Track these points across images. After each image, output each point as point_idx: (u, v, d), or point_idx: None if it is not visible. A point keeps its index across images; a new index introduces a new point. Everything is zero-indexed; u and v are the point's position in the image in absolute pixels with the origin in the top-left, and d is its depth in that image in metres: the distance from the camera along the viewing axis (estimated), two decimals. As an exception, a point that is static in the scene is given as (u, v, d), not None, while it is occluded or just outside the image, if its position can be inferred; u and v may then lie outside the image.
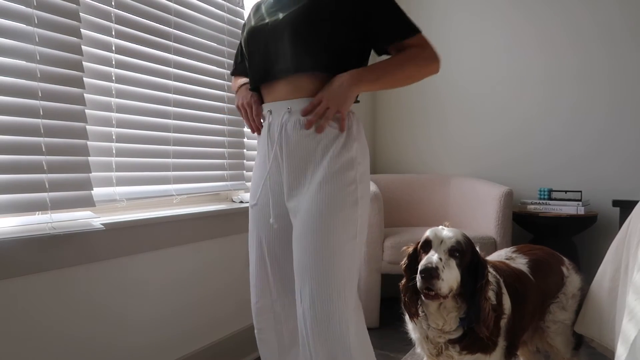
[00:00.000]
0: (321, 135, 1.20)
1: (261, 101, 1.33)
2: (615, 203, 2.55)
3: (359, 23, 1.21)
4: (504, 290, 1.41)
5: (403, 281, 1.40)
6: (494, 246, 2.51)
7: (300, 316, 1.19)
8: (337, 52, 1.22)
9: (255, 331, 1.38)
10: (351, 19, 1.21)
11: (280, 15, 1.22)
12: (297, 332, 1.25)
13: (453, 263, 1.30)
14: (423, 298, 1.31)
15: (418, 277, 1.27)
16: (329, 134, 1.21)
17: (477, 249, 1.38)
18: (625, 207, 2.42)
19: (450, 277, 1.28)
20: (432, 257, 1.28)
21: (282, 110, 1.24)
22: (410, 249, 1.41)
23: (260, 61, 1.28)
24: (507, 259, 1.62)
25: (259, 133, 1.34)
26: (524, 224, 2.86)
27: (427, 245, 1.33)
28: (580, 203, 2.70)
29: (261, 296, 1.34)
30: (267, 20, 1.25)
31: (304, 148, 1.21)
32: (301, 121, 1.21)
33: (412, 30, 1.24)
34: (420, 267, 1.27)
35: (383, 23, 1.23)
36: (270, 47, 1.24)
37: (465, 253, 1.33)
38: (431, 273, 1.24)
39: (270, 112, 1.27)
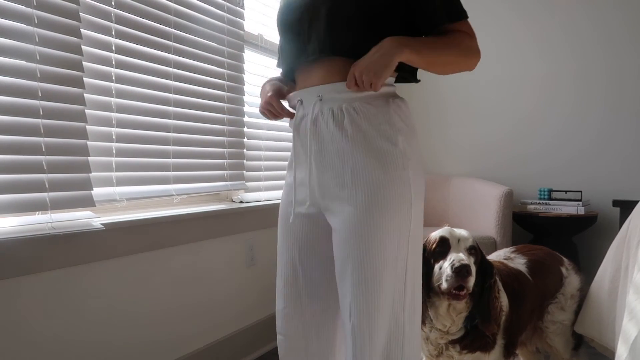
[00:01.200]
0: (359, 129, 1.05)
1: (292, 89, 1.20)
2: (616, 203, 2.55)
3: (392, 8, 1.07)
4: (501, 288, 1.42)
5: None
6: (494, 246, 2.51)
7: (349, 331, 1.07)
8: (380, 32, 1.03)
9: (279, 337, 1.26)
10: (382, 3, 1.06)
11: None
12: (330, 342, 1.20)
13: (472, 261, 1.31)
14: (450, 299, 1.30)
15: (449, 276, 1.26)
16: (367, 127, 1.05)
17: None
18: (625, 207, 2.42)
19: (474, 276, 1.30)
20: (461, 254, 1.29)
21: (312, 99, 1.09)
22: None
23: (292, 40, 1.13)
24: (505, 259, 1.62)
25: (292, 117, 1.18)
26: (524, 224, 2.86)
27: (443, 245, 1.34)
28: (580, 203, 2.70)
29: (289, 302, 1.23)
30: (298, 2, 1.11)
31: (339, 142, 1.06)
32: (334, 110, 1.06)
33: (461, 13, 1.10)
34: (454, 264, 1.27)
35: (433, 2, 1.07)
36: (304, 24, 1.09)
37: (478, 252, 1.36)
38: (467, 270, 1.25)
39: (301, 101, 1.12)
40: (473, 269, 1.30)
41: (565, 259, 1.70)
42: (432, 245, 1.37)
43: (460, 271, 1.25)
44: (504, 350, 1.43)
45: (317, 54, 1.08)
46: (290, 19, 1.13)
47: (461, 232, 1.36)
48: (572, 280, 1.64)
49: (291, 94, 1.17)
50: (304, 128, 1.12)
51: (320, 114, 1.09)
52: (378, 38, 1.02)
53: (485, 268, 1.35)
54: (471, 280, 1.26)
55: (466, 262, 1.27)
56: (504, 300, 1.41)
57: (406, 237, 1.06)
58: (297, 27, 1.11)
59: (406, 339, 1.07)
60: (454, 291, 1.27)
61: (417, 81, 1.21)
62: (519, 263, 1.58)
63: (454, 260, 1.28)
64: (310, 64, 1.11)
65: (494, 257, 1.66)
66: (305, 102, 1.12)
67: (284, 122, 2.55)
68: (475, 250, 1.34)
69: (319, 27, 1.06)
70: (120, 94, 1.63)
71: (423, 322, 1.38)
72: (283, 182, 2.82)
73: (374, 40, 1.02)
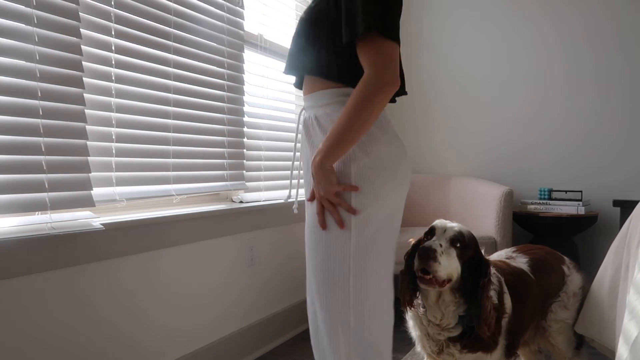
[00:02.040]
0: (315, 136, 1.16)
1: None
2: (616, 203, 2.55)
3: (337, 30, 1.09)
4: (505, 290, 1.41)
5: (403, 268, 1.40)
6: (494, 246, 2.51)
7: None
8: (325, 55, 1.12)
9: None
10: (329, 26, 1.10)
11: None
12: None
13: (453, 253, 1.30)
14: (418, 282, 1.30)
15: (416, 258, 1.28)
16: (321, 136, 1.13)
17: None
18: (625, 207, 2.41)
19: (449, 265, 1.28)
20: (432, 241, 1.30)
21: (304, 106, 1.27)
22: (415, 240, 1.43)
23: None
24: (507, 258, 1.62)
25: None
26: (524, 224, 2.86)
27: (431, 233, 1.35)
28: (580, 203, 2.70)
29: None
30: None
31: (305, 149, 1.22)
32: (305, 119, 1.21)
33: (358, 27, 1.01)
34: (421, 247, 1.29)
35: (343, 18, 1.05)
36: (293, 39, 1.23)
37: (468, 247, 1.33)
38: (428, 253, 1.25)
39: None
40: (452, 260, 1.28)
41: (566, 258, 1.70)
42: (423, 234, 1.39)
43: (421, 254, 1.26)
44: (506, 350, 1.42)
45: (286, 71, 1.25)
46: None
47: (452, 223, 1.36)
48: (574, 279, 1.64)
49: None
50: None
51: (301, 120, 1.25)
52: (323, 60, 1.12)
53: (479, 266, 1.33)
54: (435, 266, 1.25)
55: (432, 246, 1.26)
56: (507, 301, 1.40)
57: (345, 245, 1.09)
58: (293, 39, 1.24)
59: (356, 339, 1.10)
60: (419, 274, 1.27)
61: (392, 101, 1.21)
62: (521, 262, 1.58)
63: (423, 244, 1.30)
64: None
65: (495, 257, 1.65)
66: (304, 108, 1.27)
67: (284, 123, 2.55)
68: (460, 242, 1.32)
69: (295, 46, 1.21)
70: (120, 94, 1.63)
71: (409, 305, 1.39)
72: (283, 182, 2.83)
73: (318, 63, 1.13)
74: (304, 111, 1.25)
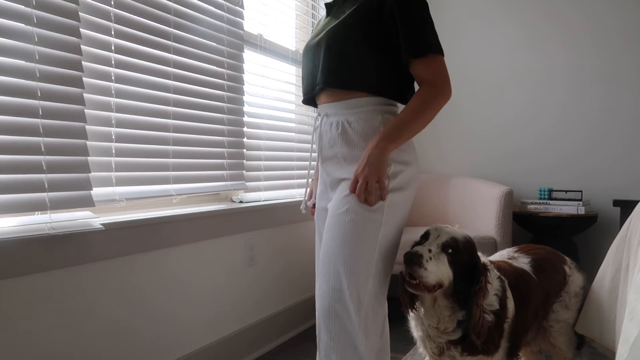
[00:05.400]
0: (351, 141, 1.29)
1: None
2: (616, 203, 2.55)
3: (384, 46, 1.26)
4: (509, 294, 1.38)
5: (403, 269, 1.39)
6: (494, 246, 2.51)
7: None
8: (365, 72, 1.27)
9: None
10: (377, 43, 1.26)
11: (322, 33, 1.33)
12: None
13: (444, 258, 1.27)
14: (405, 286, 1.29)
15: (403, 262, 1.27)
16: (358, 143, 1.29)
17: (480, 253, 1.36)
18: (625, 207, 2.42)
19: (438, 271, 1.25)
20: (421, 246, 1.28)
21: (322, 113, 1.37)
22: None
23: (306, 75, 1.40)
24: (509, 258, 1.61)
25: None
26: (524, 224, 2.86)
27: (425, 237, 1.33)
28: (580, 203, 2.70)
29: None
30: (316, 38, 1.36)
31: (335, 150, 1.33)
32: (334, 123, 1.32)
33: (424, 48, 1.24)
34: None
35: (402, 38, 1.25)
36: (315, 62, 1.34)
37: (461, 253, 1.30)
38: (412, 258, 1.23)
39: (319, 114, 1.40)
40: (441, 266, 1.26)
41: (567, 258, 1.69)
42: (419, 237, 1.37)
43: (406, 259, 1.24)
44: (508, 352, 1.41)
45: (319, 85, 1.32)
46: (306, 58, 1.38)
47: (448, 229, 1.33)
48: (576, 279, 1.64)
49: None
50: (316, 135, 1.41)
51: (323, 125, 1.35)
52: (363, 76, 1.27)
53: (474, 272, 1.30)
54: (420, 272, 1.23)
55: (419, 252, 1.25)
56: (510, 305, 1.38)
57: (375, 240, 1.27)
58: (311, 65, 1.35)
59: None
60: (407, 279, 1.26)
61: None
62: (523, 262, 1.57)
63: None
64: (319, 92, 1.36)
65: (497, 257, 1.65)
66: (319, 115, 1.39)
67: (283, 123, 2.55)
68: (452, 247, 1.29)
69: (320, 65, 1.29)
70: (120, 94, 1.63)
71: (409, 308, 1.38)
72: (283, 181, 2.82)
73: (359, 78, 1.27)
74: (325, 117, 1.35)
